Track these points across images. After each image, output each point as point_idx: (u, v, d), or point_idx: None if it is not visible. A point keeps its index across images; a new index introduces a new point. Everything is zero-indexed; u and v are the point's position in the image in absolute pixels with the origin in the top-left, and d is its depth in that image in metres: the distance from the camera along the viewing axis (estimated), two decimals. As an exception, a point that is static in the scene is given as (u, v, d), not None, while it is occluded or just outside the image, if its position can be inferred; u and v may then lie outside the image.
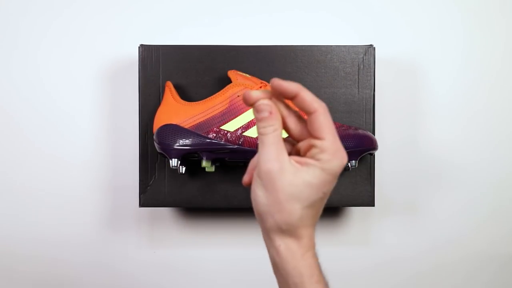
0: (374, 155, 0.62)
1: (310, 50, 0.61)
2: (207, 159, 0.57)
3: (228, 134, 0.56)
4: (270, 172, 0.34)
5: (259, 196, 0.35)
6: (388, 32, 0.68)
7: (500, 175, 0.68)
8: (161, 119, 0.58)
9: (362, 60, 0.62)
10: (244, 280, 0.68)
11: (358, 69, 0.62)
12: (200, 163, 0.57)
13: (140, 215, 0.67)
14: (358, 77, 0.62)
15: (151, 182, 0.61)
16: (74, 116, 0.67)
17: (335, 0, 0.67)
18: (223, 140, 0.56)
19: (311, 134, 0.36)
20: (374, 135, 0.61)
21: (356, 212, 0.68)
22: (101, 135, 0.67)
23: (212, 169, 0.58)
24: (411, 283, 0.68)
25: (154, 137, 0.57)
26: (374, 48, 0.61)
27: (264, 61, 0.61)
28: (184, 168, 0.58)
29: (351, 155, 0.55)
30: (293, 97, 0.36)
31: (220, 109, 0.57)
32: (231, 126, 0.56)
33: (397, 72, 0.67)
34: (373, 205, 0.62)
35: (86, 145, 0.67)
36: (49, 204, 0.67)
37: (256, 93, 0.36)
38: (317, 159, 0.35)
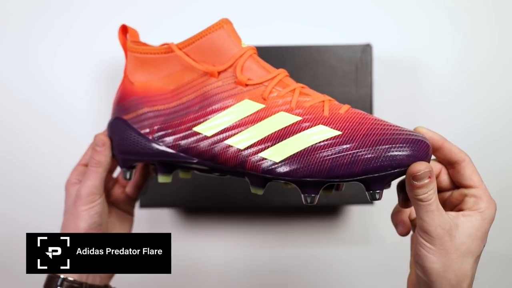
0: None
1: (307, 50, 0.61)
2: (161, 173, 0.40)
3: (205, 141, 0.37)
4: (443, 237, 0.33)
5: (433, 263, 0.33)
6: (386, 31, 0.68)
7: (501, 174, 0.68)
8: (119, 98, 0.44)
9: (360, 58, 0.62)
10: (244, 280, 0.68)
11: (356, 67, 0.62)
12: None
13: (139, 215, 0.67)
14: (356, 76, 0.62)
15: (150, 183, 0.61)
16: (71, 116, 0.67)
17: (332, -1, 0.68)
18: (193, 151, 0.37)
19: (460, 184, 0.36)
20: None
21: (355, 211, 0.68)
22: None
23: (169, 180, 0.41)
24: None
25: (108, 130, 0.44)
26: (372, 47, 0.61)
27: (262, 61, 0.61)
28: (130, 174, 0.42)
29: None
30: (437, 149, 0.35)
31: (190, 96, 0.38)
32: (208, 127, 0.37)
33: (395, 70, 0.67)
34: (372, 203, 0.62)
35: (83, 145, 0.67)
36: (48, 204, 0.67)
37: (422, 165, 0.32)
38: (476, 209, 0.34)
